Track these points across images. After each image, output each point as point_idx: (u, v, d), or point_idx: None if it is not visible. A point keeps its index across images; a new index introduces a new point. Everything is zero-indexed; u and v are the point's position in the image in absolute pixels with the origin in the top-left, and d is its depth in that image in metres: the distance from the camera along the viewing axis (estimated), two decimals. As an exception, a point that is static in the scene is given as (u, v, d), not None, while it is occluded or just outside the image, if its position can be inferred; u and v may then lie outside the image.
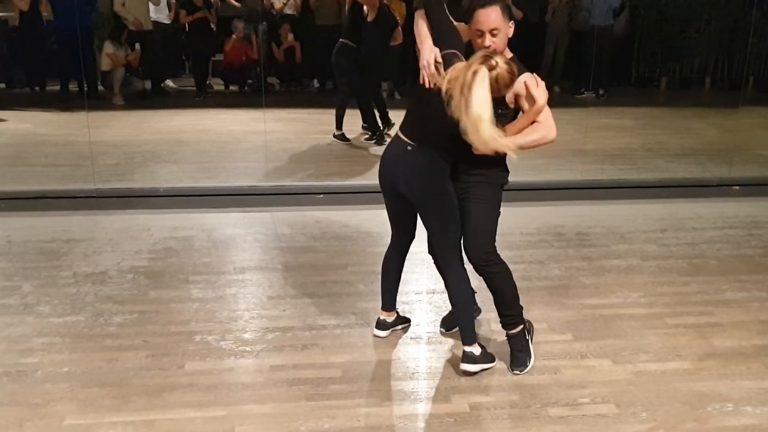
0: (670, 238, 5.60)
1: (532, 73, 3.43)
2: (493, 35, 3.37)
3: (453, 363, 3.75)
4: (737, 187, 6.90)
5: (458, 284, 3.67)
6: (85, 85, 8.64)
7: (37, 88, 9.82)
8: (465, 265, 3.66)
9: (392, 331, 4.06)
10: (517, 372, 3.67)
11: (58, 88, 9.26)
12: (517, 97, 3.41)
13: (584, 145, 7.64)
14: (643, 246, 5.43)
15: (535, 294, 4.56)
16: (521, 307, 3.72)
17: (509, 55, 3.47)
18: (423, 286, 4.63)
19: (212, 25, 9.97)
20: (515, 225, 5.73)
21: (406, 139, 3.53)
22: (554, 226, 5.79)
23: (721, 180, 7.03)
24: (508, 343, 3.74)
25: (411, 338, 4.01)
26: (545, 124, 3.41)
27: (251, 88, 10.13)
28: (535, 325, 4.08)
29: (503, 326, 3.73)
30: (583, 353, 3.88)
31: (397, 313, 4.10)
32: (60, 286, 4.56)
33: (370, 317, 4.22)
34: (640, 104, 10.62)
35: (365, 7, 7.62)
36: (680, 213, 6.22)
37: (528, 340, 3.75)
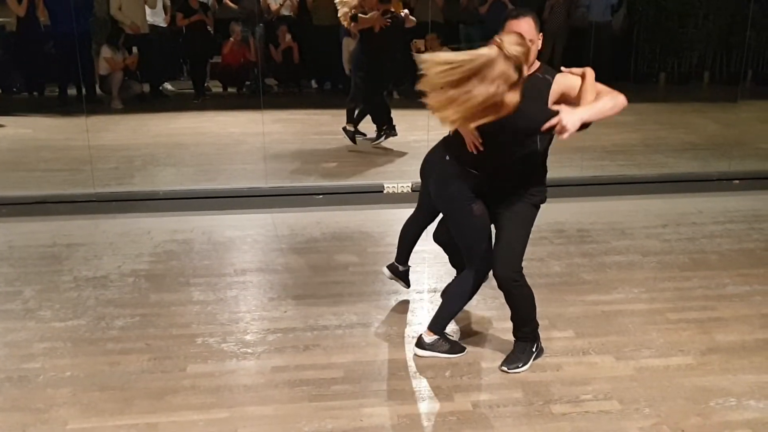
0: (670, 234, 5.60)
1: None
2: None
3: (455, 362, 3.75)
4: (737, 182, 6.90)
5: (463, 286, 3.74)
6: (84, 90, 8.66)
7: (35, 94, 9.85)
8: (480, 277, 3.71)
9: (394, 279, 4.39)
10: (504, 368, 3.67)
11: (56, 93, 9.28)
12: (565, 96, 3.36)
13: (584, 141, 7.62)
14: (644, 242, 5.43)
15: (537, 291, 4.50)
16: (536, 325, 3.75)
17: (537, 65, 3.42)
18: (424, 285, 4.63)
19: (209, 28, 9.98)
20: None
21: (446, 150, 3.60)
22: (555, 222, 5.79)
23: (722, 174, 7.02)
24: (514, 343, 3.76)
25: (412, 337, 4.00)
26: (610, 91, 3.31)
27: (249, 90, 10.15)
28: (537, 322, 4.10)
29: (513, 333, 3.77)
30: (585, 350, 3.87)
31: (407, 269, 4.39)
32: (61, 291, 4.56)
33: (372, 317, 4.22)
34: (640, 100, 10.58)
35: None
36: (681, 208, 6.21)
37: (533, 353, 3.74)
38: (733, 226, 5.77)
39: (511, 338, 3.83)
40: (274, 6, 10.22)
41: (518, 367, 3.68)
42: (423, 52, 3.14)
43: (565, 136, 3.15)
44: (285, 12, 10.28)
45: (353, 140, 7.75)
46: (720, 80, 11.02)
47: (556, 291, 4.57)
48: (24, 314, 4.25)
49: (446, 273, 4.72)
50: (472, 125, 3.15)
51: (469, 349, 3.87)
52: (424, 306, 4.39)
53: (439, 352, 3.77)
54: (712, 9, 10.85)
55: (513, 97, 3.05)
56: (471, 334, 4.05)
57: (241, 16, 10.18)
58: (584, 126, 3.24)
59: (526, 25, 3.32)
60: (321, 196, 6.36)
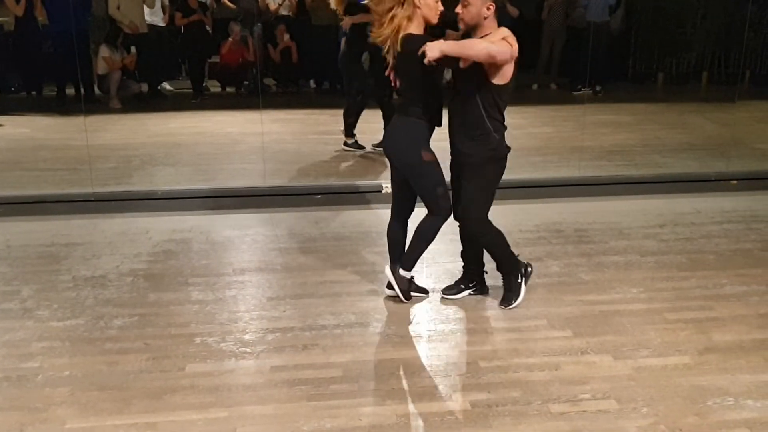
0: (668, 234, 5.61)
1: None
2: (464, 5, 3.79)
3: (454, 361, 3.76)
4: (734, 182, 6.91)
5: (432, 227, 4.17)
6: (82, 89, 8.65)
7: (33, 93, 9.85)
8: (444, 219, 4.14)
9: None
10: (503, 306, 4.24)
11: (55, 92, 9.27)
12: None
13: (582, 141, 7.65)
14: (642, 241, 5.44)
15: (535, 291, 4.57)
16: (513, 259, 4.24)
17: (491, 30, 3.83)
18: (422, 285, 4.63)
19: (208, 28, 9.97)
20: (514, 222, 5.74)
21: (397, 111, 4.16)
22: (553, 222, 5.79)
23: (719, 174, 7.03)
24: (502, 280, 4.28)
25: (411, 337, 4.01)
26: (496, 45, 3.67)
27: (248, 90, 10.14)
28: (534, 322, 4.13)
29: (497, 269, 4.30)
30: (584, 349, 3.88)
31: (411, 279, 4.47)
32: (59, 290, 4.56)
33: (370, 317, 4.23)
34: (638, 100, 10.64)
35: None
36: (679, 208, 6.22)
37: (519, 282, 4.11)
38: (731, 226, 5.78)
39: (509, 337, 3.86)
40: (272, 6, 10.22)
41: (510, 303, 4.23)
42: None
43: (426, 60, 3.63)
44: (283, 12, 10.28)
45: (361, 147, 7.71)
46: (718, 80, 11.03)
47: (555, 291, 4.57)
48: (22, 313, 4.25)
49: (444, 273, 4.73)
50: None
51: (467, 348, 3.88)
52: (422, 306, 4.39)
53: (398, 285, 4.29)
54: (710, 9, 10.87)
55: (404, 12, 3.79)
56: (469, 333, 4.06)
57: (240, 15, 10.18)
58: (451, 59, 3.71)
59: None
60: (319, 196, 6.37)
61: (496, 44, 3.67)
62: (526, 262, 4.44)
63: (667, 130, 8.96)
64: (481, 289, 4.46)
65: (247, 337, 4.00)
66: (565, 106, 9.98)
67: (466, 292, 4.44)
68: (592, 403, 3.41)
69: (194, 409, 3.34)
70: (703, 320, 4.21)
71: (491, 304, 4.38)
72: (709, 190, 6.74)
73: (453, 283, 4.49)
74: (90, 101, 8.82)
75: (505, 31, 3.78)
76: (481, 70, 3.78)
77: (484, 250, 4.32)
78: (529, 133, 8.48)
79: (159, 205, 6.14)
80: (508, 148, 4.08)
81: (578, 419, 3.28)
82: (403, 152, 4.05)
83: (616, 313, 4.28)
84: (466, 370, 3.68)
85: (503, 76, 3.80)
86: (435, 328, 4.12)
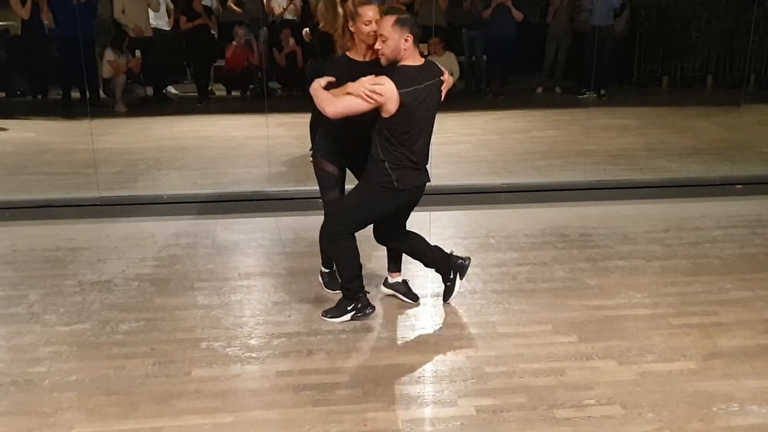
0: (673, 238, 5.61)
1: (399, 88, 3.77)
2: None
3: (459, 366, 3.77)
4: (740, 186, 6.90)
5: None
6: (87, 93, 8.67)
7: (39, 97, 9.87)
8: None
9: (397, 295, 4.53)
10: (322, 315, 4.26)
11: (60, 96, 9.30)
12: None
13: (586, 145, 7.65)
14: (647, 246, 5.44)
15: (540, 296, 4.57)
16: (355, 286, 4.22)
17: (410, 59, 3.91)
18: (428, 289, 4.64)
19: (213, 31, 9.99)
20: (518, 227, 5.74)
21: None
22: (557, 227, 5.80)
23: (724, 179, 7.02)
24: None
25: (416, 342, 4.02)
26: (335, 99, 3.83)
27: (253, 94, 10.16)
28: (539, 327, 4.15)
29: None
30: (589, 354, 3.89)
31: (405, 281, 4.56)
32: (66, 295, 4.58)
33: (375, 321, 4.24)
34: (642, 104, 10.62)
35: None
36: (683, 213, 6.22)
37: (348, 310, 4.22)
38: (736, 231, 5.77)
39: (514, 342, 3.88)
40: (277, 9, 10.24)
41: (328, 316, 4.24)
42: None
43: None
44: (288, 16, 10.29)
45: None
46: (723, 84, 11.02)
47: (560, 296, 4.58)
48: (29, 318, 4.27)
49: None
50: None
51: (472, 353, 3.89)
52: (427, 310, 4.40)
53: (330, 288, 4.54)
54: (715, 13, 10.85)
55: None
56: (474, 339, 4.07)
57: (245, 19, 10.20)
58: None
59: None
60: (324, 200, 6.37)
61: (350, 98, 3.78)
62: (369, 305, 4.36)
63: (672, 134, 8.95)
64: (456, 268, 4.43)
65: (252, 341, 4.01)
66: (570, 109, 9.99)
67: (457, 285, 4.43)
68: (597, 408, 3.41)
69: (200, 413, 3.36)
70: (708, 325, 4.21)
71: (496, 309, 4.38)
72: (714, 194, 6.74)
73: (444, 288, 4.48)
74: (95, 105, 8.82)
75: (384, 80, 3.79)
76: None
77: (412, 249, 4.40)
78: (534, 137, 8.48)
79: (164, 209, 6.17)
80: (413, 186, 4.04)
81: (583, 425, 3.29)
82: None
83: (621, 318, 4.29)
84: (471, 375, 3.69)
85: (386, 112, 3.81)
86: (440, 333, 4.13)
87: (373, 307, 4.29)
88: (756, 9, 8.75)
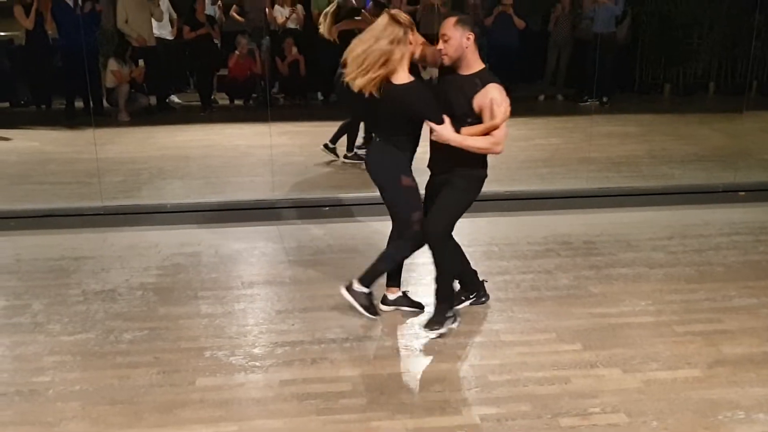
0: (676, 246, 5.60)
1: (501, 85, 3.90)
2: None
3: (464, 375, 3.76)
4: (742, 193, 6.89)
5: (399, 252, 4.29)
6: (91, 103, 8.70)
7: (43, 106, 9.90)
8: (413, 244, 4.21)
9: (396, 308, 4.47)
10: (426, 329, 4.17)
11: (64, 105, 9.33)
12: (482, 108, 3.89)
13: (589, 152, 7.65)
14: (650, 254, 5.43)
15: (544, 304, 4.57)
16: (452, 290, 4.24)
17: (477, 67, 3.99)
18: (431, 297, 4.63)
19: (216, 41, 10.02)
20: (522, 234, 5.74)
21: (377, 134, 4.27)
22: (561, 235, 5.79)
23: (727, 186, 7.01)
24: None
25: (420, 350, 4.02)
26: (495, 138, 3.86)
27: (256, 102, 10.18)
28: (544, 335, 4.14)
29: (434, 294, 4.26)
30: (593, 363, 3.88)
31: (404, 293, 4.50)
32: (70, 304, 4.59)
33: (379, 330, 4.24)
34: (644, 111, 10.62)
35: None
36: (686, 220, 6.21)
37: (449, 317, 4.17)
38: (740, 238, 5.77)
39: (518, 350, 3.87)
40: (280, 19, 10.27)
41: (434, 329, 4.14)
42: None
43: (433, 137, 3.91)
44: (291, 25, 10.33)
45: (361, 158, 7.74)
46: (725, 91, 11.02)
47: (564, 304, 4.57)
48: (33, 328, 4.28)
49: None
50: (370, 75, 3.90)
51: (476, 362, 3.89)
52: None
53: (359, 303, 4.26)
54: (717, 19, 10.87)
55: (400, 50, 3.87)
56: (478, 347, 4.06)
57: (248, 29, 10.23)
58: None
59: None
60: (328, 208, 6.38)
61: (502, 127, 3.84)
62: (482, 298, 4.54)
63: (675, 141, 8.95)
64: (479, 295, 4.53)
65: (256, 350, 4.01)
66: (572, 117, 9.99)
67: (467, 303, 4.48)
68: (602, 416, 3.40)
69: (204, 422, 3.36)
70: (712, 333, 4.21)
71: (500, 318, 4.38)
72: (717, 201, 6.73)
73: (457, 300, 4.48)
74: (99, 114, 8.85)
75: (495, 88, 3.89)
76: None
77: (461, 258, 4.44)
78: (536, 145, 8.48)
79: (168, 218, 6.17)
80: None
81: (588, 433, 3.28)
82: (383, 174, 4.18)
83: (625, 326, 4.28)
84: (476, 383, 3.68)
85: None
86: (444, 341, 4.12)
87: (472, 298, 4.49)
88: (758, 15, 8.76)
